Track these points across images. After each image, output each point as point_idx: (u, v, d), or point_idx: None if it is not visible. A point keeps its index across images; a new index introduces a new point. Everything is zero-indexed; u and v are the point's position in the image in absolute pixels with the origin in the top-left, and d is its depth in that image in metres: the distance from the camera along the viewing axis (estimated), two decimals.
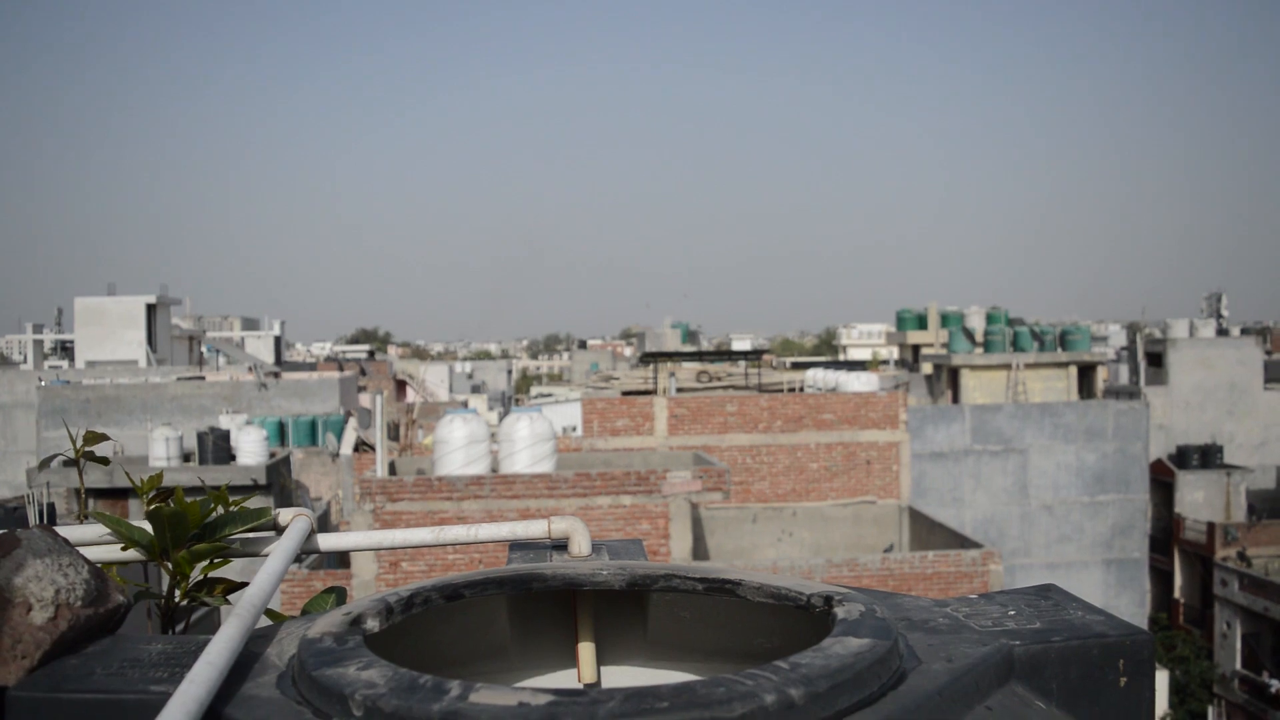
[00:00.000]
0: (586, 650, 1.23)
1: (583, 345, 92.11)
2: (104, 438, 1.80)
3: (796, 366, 45.87)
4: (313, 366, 50.12)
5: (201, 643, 1.05)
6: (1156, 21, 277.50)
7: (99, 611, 1.08)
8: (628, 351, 78.89)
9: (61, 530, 1.32)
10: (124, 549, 1.40)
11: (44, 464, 1.70)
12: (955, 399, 33.22)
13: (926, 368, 36.98)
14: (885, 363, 49.38)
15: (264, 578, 1.16)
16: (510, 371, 67.16)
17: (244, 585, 1.43)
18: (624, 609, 1.25)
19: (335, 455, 26.20)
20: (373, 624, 1.05)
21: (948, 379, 34.49)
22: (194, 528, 1.39)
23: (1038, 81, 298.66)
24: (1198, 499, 33.84)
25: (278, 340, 56.77)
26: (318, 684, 0.90)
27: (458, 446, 15.44)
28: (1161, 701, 25.94)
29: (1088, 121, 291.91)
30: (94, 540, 1.42)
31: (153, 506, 1.45)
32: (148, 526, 1.38)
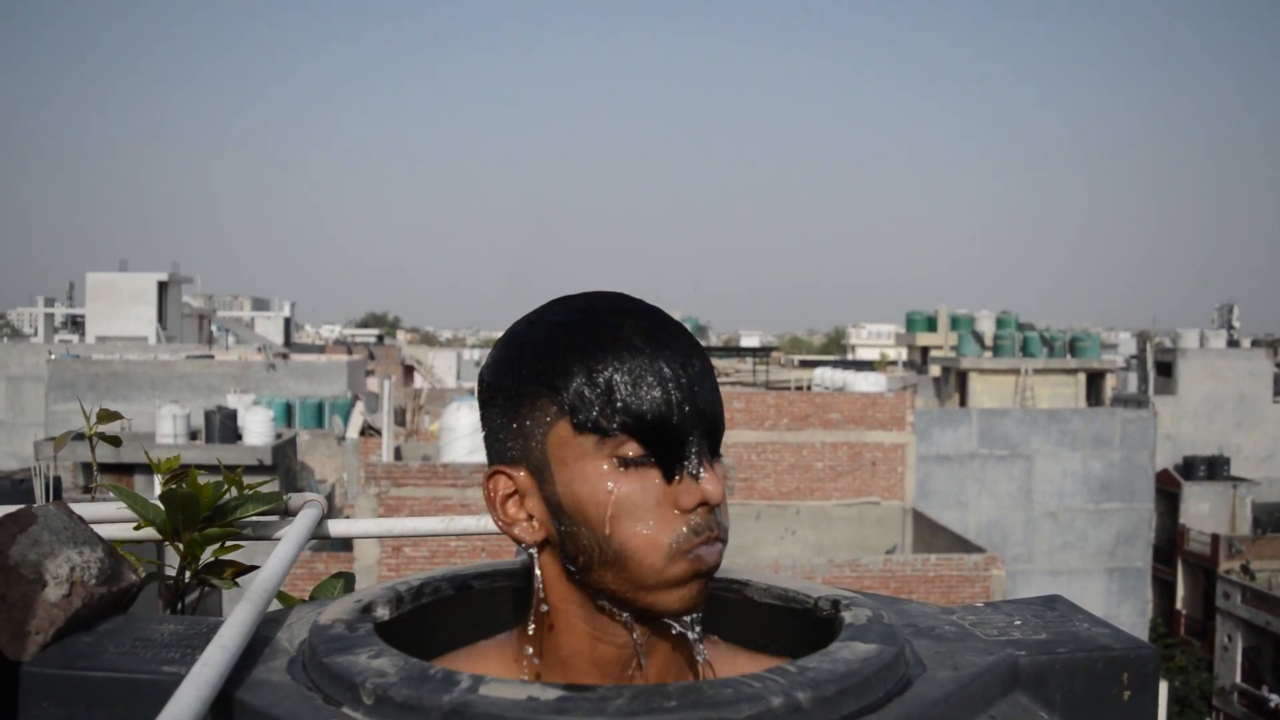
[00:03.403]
0: None
1: None
2: (118, 416, 1.82)
3: (804, 365, 45.86)
4: (321, 349, 50.22)
5: (213, 625, 1.06)
6: (1173, 30, 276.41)
7: (112, 590, 1.09)
8: None
9: (75, 507, 1.33)
10: (137, 528, 1.42)
11: (61, 442, 1.71)
12: (963, 402, 33.15)
13: (935, 370, 36.91)
14: (893, 364, 49.29)
15: (275, 562, 1.17)
16: None
17: (253, 568, 1.44)
18: None
19: (341, 438, 26.26)
20: (383, 612, 1.06)
21: (956, 382, 34.44)
22: (206, 510, 1.40)
23: (1054, 87, 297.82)
24: (1203, 510, 33.76)
25: (287, 321, 56.92)
26: (329, 671, 0.91)
27: (464, 434, 15.48)
28: (1161, 713, 25.91)
29: (1104, 128, 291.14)
30: (106, 518, 1.43)
31: (167, 486, 1.46)
32: (161, 505, 1.39)
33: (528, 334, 0.94)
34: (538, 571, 0.98)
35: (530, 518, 0.95)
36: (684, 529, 0.90)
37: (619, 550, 0.91)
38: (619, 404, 0.89)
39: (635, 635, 0.96)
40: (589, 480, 0.91)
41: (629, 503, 0.90)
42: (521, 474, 0.95)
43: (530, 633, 1.00)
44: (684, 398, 0.90)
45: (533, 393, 0.92)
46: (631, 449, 0.90)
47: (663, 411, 0.89)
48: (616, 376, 0.89)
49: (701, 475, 0.90)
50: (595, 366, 0.89)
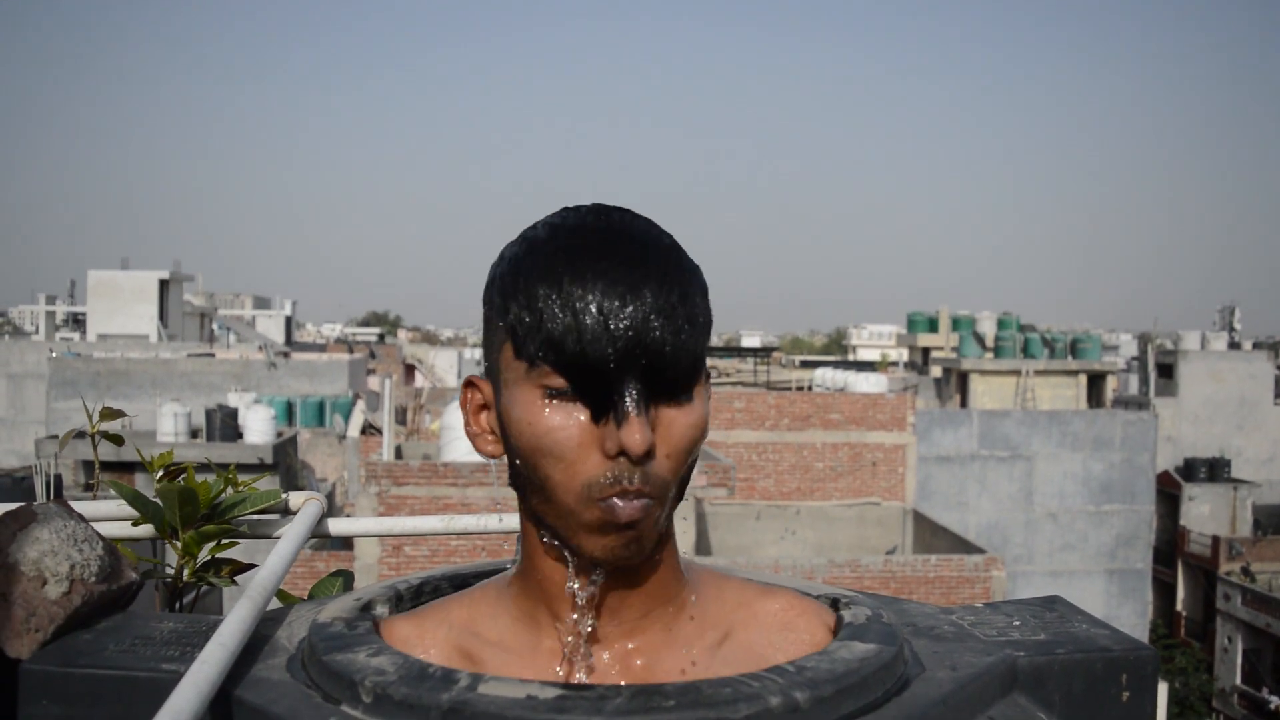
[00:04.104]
0: None
1: None
2: (120, 414, 1.82)
3: (805, 365, 45.82)
4: (322, 348, 50.18)
5: (212, 623, 1.06)
6: (1175, 31, 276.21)
7: (112, 588, 1.09)
8: None
9: (76, 505, 1.33)
10: (135, 524, 1.42)
11: (65, 440, 1.72)
12: (964, 403, 33.13)
13: (936, 371, 36.88)
14: (894, 364, 49.25)
15: (275, 560, 1.17)
16: None
17: (251, 566, 1.44)
18: None
19: (342, 437, 26.25)
20: (382, 611, 1.06)
21: (956, 383, 34.42)
22: (204, 507, 1.40)
23: (1056, 88, 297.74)
24: (1204, 512, 33.73)
25: (288, 320, 56.91)
26: (328, 669, 0.91)
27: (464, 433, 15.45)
28: (1161, 714, 25.89)
29: (1106, 130, 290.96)
30: (106, 516, 1.43)
31: (162, 484, 1.46)
32: (159, 502, 1.39)
33: (509, 250, 0.92)
34: None
35: (492, 431, 0.95)
36: (602, 475, 0.86)
37: (541, 482, 0.89)
38: (543, 333, 0.85)
39: (595, 576, 0.91)
40: (518, 405, 0.89)
41: (551, 437, 0.87)
42: (487, 388, 0.95)
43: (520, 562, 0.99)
44: (614, 334, 0.84)
45: (493, 310, 0.91)
46: (557, 381, 0.86)
47: (586, 346, 0.84)
48: (547, 304, 0.85)
49: (625, 422, 0.84)
50: (534, 291, 0.86)
